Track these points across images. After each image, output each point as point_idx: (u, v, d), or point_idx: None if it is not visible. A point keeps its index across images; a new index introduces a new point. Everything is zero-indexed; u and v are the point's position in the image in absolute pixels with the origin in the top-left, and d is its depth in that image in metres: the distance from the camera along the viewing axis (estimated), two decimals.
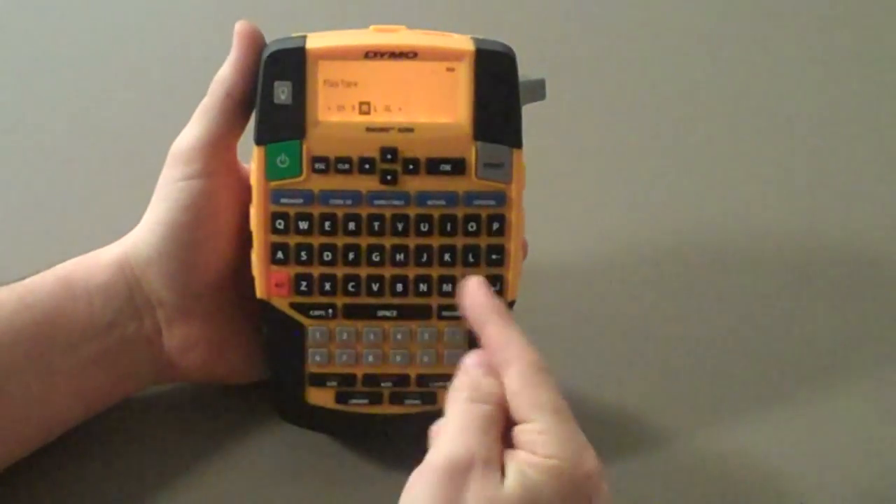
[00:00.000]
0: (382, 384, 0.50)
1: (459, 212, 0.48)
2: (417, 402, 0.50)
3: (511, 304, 0.49)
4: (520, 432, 0.41)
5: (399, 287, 0.49)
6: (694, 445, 0.53)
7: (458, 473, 0.39)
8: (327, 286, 0.49)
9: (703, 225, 0.69)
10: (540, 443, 0.40)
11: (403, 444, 0.51)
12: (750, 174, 0.74)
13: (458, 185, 0.48)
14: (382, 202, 0.48)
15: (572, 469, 0.40)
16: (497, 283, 0.49)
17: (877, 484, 0.51)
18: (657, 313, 0.61)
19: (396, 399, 0.50)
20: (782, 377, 0.57)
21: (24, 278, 0.50)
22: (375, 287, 0.49)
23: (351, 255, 0.48)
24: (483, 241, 0.48)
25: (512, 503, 0.38)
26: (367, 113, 0.48)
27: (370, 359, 0.49)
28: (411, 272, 0.49)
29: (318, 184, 0.48)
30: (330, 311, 0.49)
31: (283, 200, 0.48)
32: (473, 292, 0.44)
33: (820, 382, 0.57)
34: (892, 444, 0.53)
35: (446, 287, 0.49)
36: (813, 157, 0.77)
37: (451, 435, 0.40)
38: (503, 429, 0.41)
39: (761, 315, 0.61)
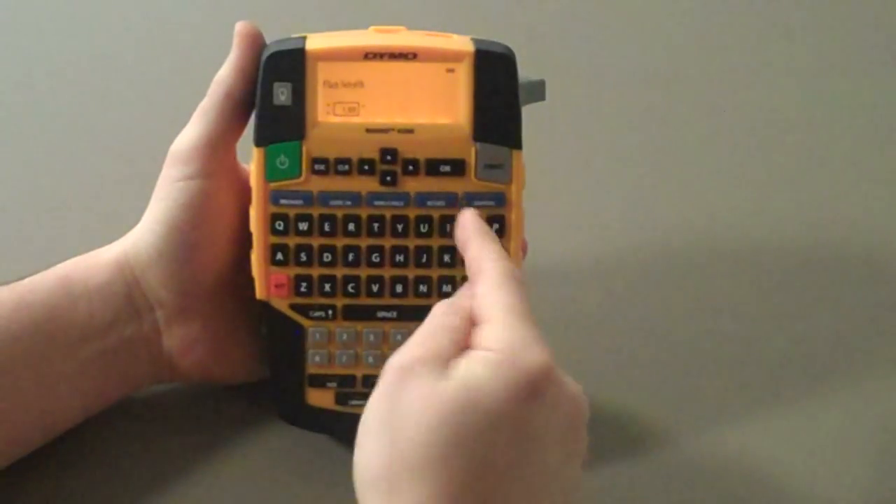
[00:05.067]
0: None
1: (459, 213, 0.48)
2: None
3: None
4: (475, 332, 0.40)
5: (399, 288, 0.49)
6: (694, 445, 0.53)
7: (403, 372, 0.38)
8: (327, 287, 0.49)
9: (703, 225, 0.69)
10: (488, 337, 0.39)
11: None
12: (749, 174, 0.74)
13: (458, 186, 0.48)
14: (382, 203, 0.48)
15: (513, 360, 0.38)
16: None
17: (877, 484, 0.51)
18: (657, 313, 0.61)
19: None
20: (782, 377, 0.57)
21: (23, 278, 0.50)
22: (375, 288, 0.49)
23: (350, 256, 0.48)
24: None
25: (448, 396, 0.37)
26: (367, 114, 0.48)
27: (370, 360, 0.49)
28: (411, 273, 0.49)
29: (318, 185, 0.48)
30: (330, 312, 0.49)
31: (283, 201, 0.48)
32: (464, 220, 0.45)
33: (820, 382, 0.57)
34: (893, 444, 0.53)
35: (446, 288, 0.48)
36: (812, 157, 0.77)
37: (408, 342, 0.40)
38: (468, 336, 0.40)
39: (762, 315, 0.61)
